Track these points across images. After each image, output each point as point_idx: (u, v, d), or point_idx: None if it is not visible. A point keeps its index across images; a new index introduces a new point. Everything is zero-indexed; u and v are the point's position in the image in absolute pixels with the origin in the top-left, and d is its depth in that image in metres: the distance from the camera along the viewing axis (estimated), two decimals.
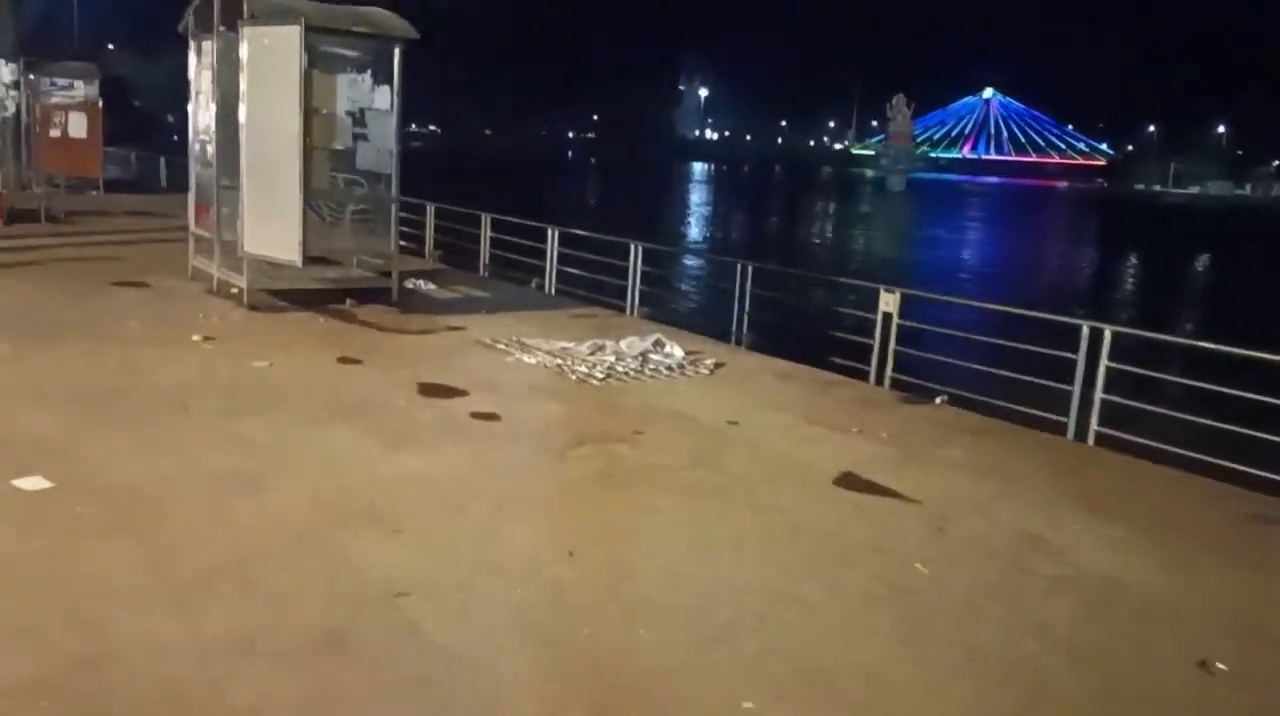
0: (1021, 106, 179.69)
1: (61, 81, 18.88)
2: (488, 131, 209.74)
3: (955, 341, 9.50)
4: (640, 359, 8.57)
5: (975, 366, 8.81)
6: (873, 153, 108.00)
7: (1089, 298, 32.26)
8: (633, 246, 12.57)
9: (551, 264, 14.12)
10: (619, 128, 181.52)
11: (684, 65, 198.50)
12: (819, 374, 9.32)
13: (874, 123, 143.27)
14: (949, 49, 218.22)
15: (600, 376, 7.97)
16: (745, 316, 11.04)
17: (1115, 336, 7.79)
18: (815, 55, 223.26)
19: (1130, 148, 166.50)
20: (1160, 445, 7.17)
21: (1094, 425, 7.65)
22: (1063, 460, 7.13)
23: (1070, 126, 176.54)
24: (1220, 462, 6.81)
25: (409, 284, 11.67)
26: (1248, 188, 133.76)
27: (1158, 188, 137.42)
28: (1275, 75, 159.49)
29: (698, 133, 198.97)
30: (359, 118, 9.21)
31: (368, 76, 9.35)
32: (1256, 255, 51.14)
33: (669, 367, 8.59)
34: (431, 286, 12.22)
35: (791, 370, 9.42)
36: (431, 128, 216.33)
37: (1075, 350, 7.91)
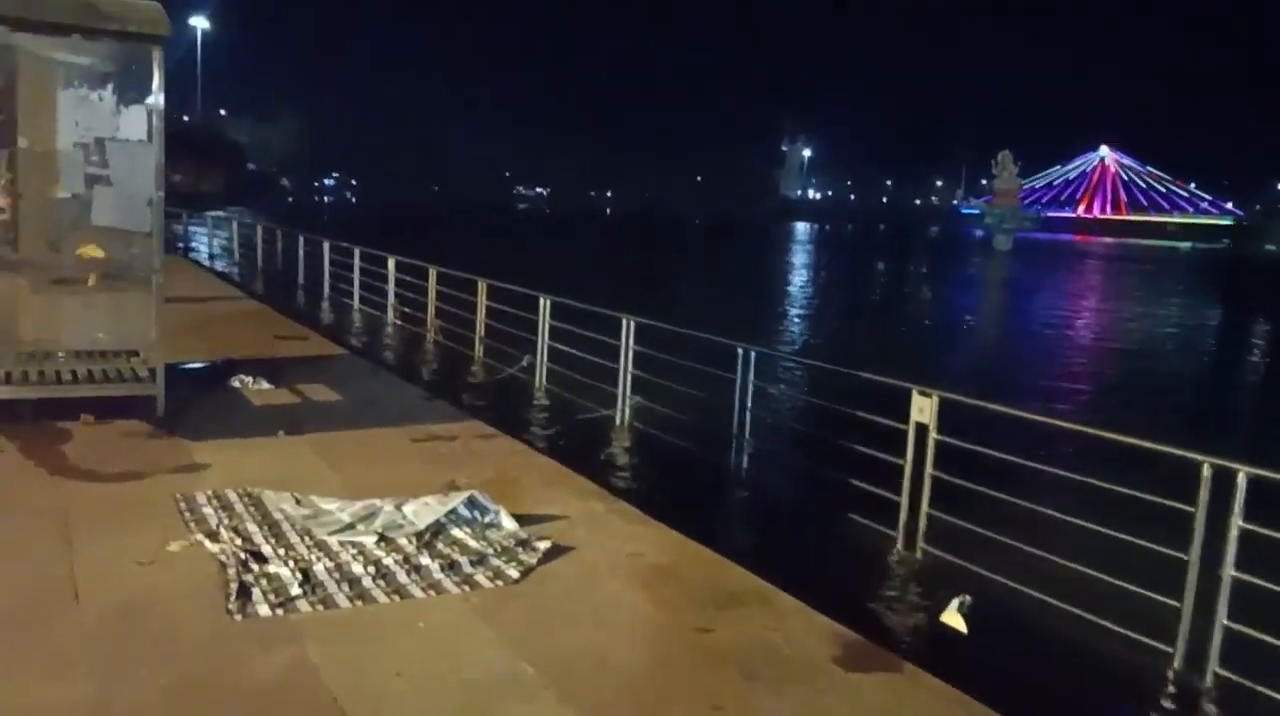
0: (1139, 164, 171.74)
1: None
2: (592, 193, 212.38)
3: (1022, 478, 6.69)
4: (423, 538, 4.71)
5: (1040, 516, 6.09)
6: (979, 211, 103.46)
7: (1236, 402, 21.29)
8: (625, 322, 10.22)
9: (543, 340, 11.88)
10: (722, 188, 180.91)
11: (786, 125, 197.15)
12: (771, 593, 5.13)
13: (984, 181, 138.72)
14: (1063, 106, 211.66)
15: (294, 590, 4.19)
16: (744, 427, 8.54)
17: (1256, 483, 5.04)
18: (924, 112, 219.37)
19: (1258, 206, 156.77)
20: None
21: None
22: None
23: (1193, 185, 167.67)
24: None
25: (234, 382, 8.31)
26: None
27: None
28: None
29: (800, 192, 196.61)
30: (95, 151, 6.40)
31: (108, 93, 6.44)
32: None
33: (473, 557, 4.64)
34: (265, 385, 8.38)
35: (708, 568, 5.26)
36: (538, 189, 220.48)
37: (1193, 499, 5.20)
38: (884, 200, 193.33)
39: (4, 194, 6.17)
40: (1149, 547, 5.43)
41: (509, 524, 4.90)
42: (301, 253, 22.19)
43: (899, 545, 6.99)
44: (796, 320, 25.72)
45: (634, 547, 4.97)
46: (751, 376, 8.56)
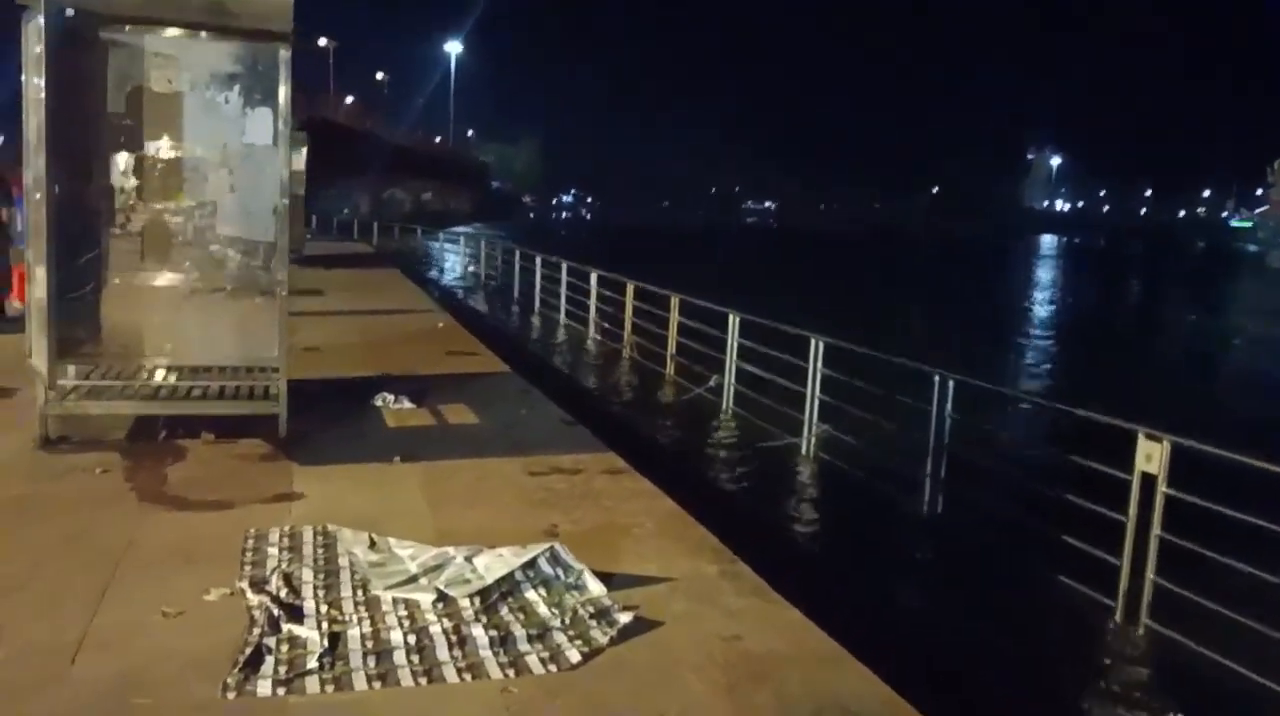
0: None
1: None
2: (821, 206, 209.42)
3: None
4: (489, 598, 4.01)
5: None
6: (1251, 224, 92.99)
7: None
8: (813, 342, 9.42)
9: (731, 359, 11.28)
10: (959, 200, 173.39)
11: (1032, 133, 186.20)
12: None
13: (1259, 191, 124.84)
14: None
15: (311, 663, 3.56)
16: (938, 467, 7.56)
17: None
18: (1190, 114, 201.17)
19: None
20: None
21: None
22: None
23: None
24: None
25: (377, 400, 7.79)
26: None
27: None
28: None
29: (1046, 203, 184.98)
30: (221, 157, 6.20)
31: (235, 95, 6.22)
32: None
33: (535, 629, 3.85)
34: (406, 404, 7.79)
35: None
36: (767, 203, 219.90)
37: None
38: (1142, 212, 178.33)
39: (130, 203, 6.19)
40: None
41: (594, 586, 4.08)
42: (517, 267, 22.70)
43: (1118, 616, 5.87)
44: (1026, 345, 23.62)
45: (737, 629, 3.97)
46: (949, 408, 7.57)
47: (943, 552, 7.23)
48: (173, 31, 6.11)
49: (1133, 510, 5.75)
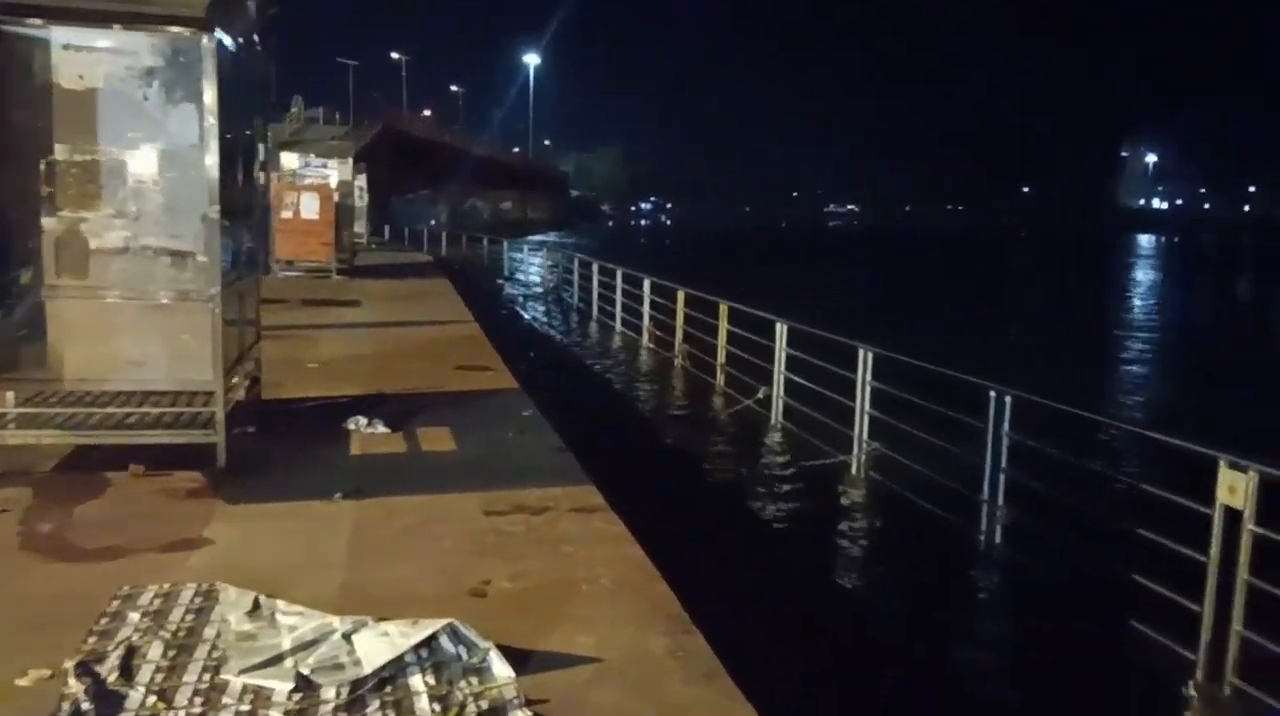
0: None
1: (317, 162, 18.83)
2: (907, 208, 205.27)
3: None
4: (357, 690, 3.18)
5: None
6: None
7: None
8: (861, 353, 8.67)
9: (779, 371, 10.56)
10: (1052, 199, 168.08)
11: (1128, 129, 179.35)
12: None
13: None
14: None
15: None
16: (996, 492, 6.75)
17: None
18: None
19: None
20: None
21: None
22: None
23: None
24: None
25: (350, 423, 6.78)
26: None
27: None
28: None
29: (1143, 201, 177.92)
30: (141, 161, 5.50)
31: (155, 91, 5.53)
32: None
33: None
34: (380, 428, 6.77)
35: None
36: (850, 206, 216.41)
37: None
38: (1245, 209, 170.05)
39: (42, 211, 5.61)
40: None
41: (500, 670, 3.24)
42: (577, 274, 22.27)
43: (1199, 674, 5.02)
44: (1121, 356, 22.17)
45: None
46: (1006, 427, 6.75)
47: (996, 594, 6.42)
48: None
49: (1214, 550, 4.91)
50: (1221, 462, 4.88)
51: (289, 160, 19.36)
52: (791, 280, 39.06)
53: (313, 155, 19.49)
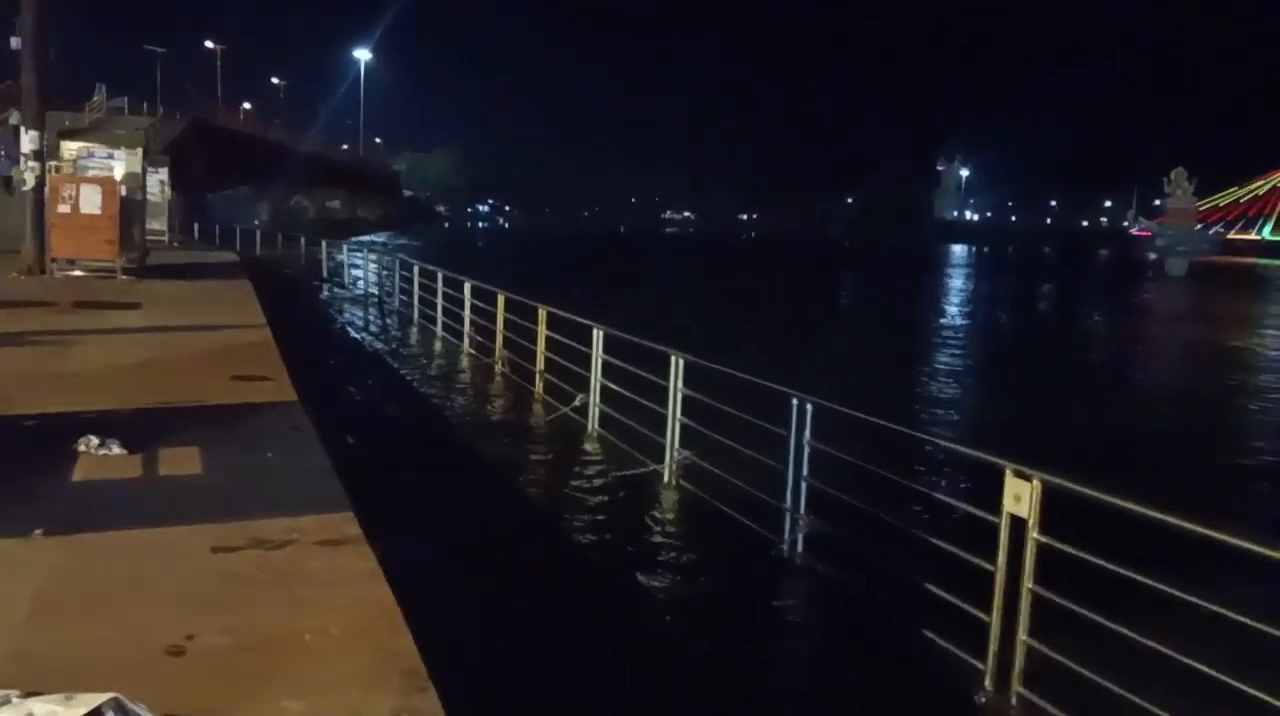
0: None
1: (101, 152, 17.41)
2: (743, 216, 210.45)
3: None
4: None
5: None
6: (1151, 233, 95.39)
7: None
8: (673, 360, 8.48)
9: (596, 378, 10.28)
10: (875, 210, 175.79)
11: (943, 145, 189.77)
12: None
13: (1156, 201, 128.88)
14: (1245, 121, 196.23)
15: None
16: (798, 501, 6.65)
17: None
18: (1093, 128, 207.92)
19: None
20: None
21: None
22: None
23: None
24: None
25: (80, 444, 5.73)
26: None
27: None
28: None
29: (956, 213, 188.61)
30: None
31: None
32: None
33: None
34: (116, 450, 5.74)
35: None
36: (686, 213, 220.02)
37: None
38: (1048, 221, 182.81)
39: None
40: None
41: None
42: (397, 277, 21.47)
43: (987, 682, 5.00)
44: (916, 357, 23.00)
45: None
46: (808, 434, 6.66)
47: (794, 605, 6.30)
48: None
49: (1001, 558, 4.89)
50: (1007, 471, 4.86)
51: (68, 150, 17.70)
52: (622, 285, 39.21)
53: (97, 145, 17.88)
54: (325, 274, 28.67)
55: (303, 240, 34.12)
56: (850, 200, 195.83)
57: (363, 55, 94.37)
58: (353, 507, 4.16)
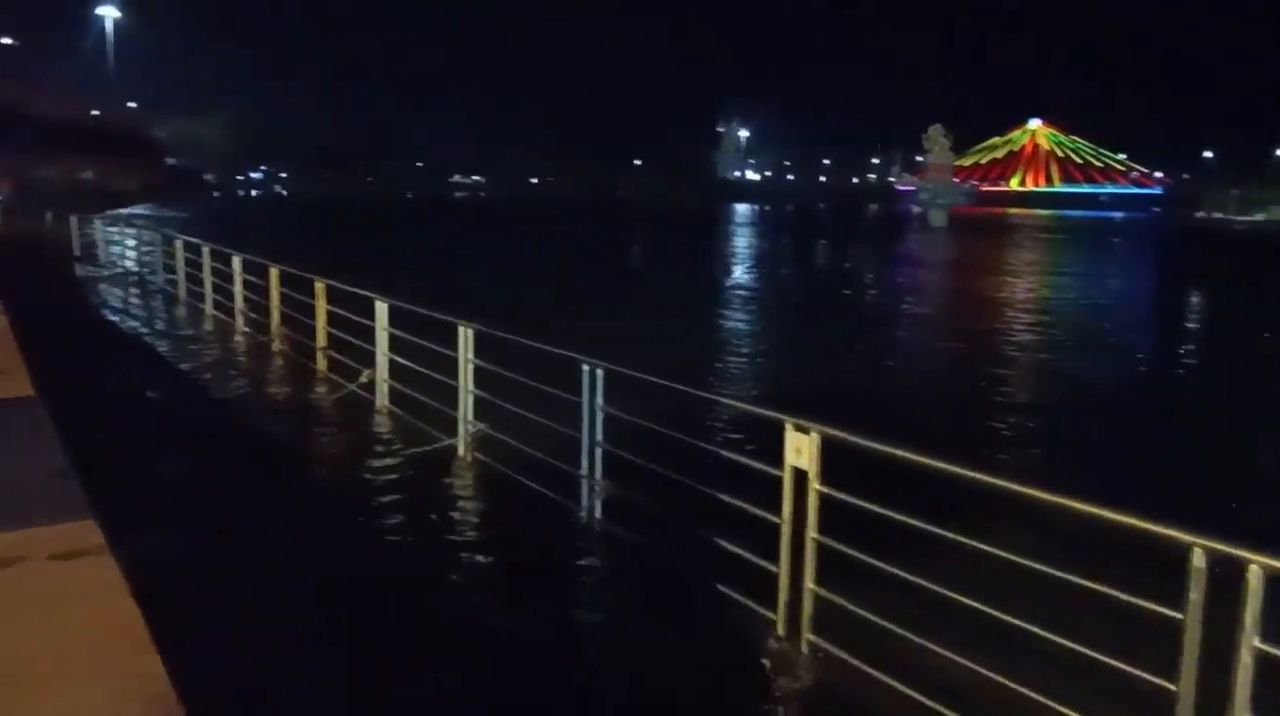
0: (1070, 137, 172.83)
1: None
2: (533, 179, 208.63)
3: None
4: None
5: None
6: (914, 187, 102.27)
7: None
8: (461, 331, 8.24)
9: (382, 352, 9.88)
10: (661, 171, 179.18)
11: (723, 107, 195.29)
12: None
13: (918, 158, 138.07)
14: (996, 81, 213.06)
15: None
16: (593, 467, 6.62)
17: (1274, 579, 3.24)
18: (860, 90, 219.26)
19: (1185, 175, 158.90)
20: None
21: None
22: None
23: (1123, 155, 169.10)
24: None
25: None
26: None
27: (1218, 215, 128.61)
28: None
29: (738, 174, 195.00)
30: None
31: None
32: None
33: None
34: None
35: None
36: (475, 178, 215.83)
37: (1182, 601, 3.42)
38: (822, 180, 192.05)
39: None
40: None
41: None
42: (160, 252, 19.89)
43: (780, 630, 5.15)
44: (698, 315, 23.67)
45: None
46: (600, 400, 6.63)
47: (593, 569, 6.28)
48: None
49: (786, 510, 5.03)
50: (787, 425, 5.00)
51: None
52: (409, 254, 38.05)
53: None
54: (78, 252, 26.18)
55: (49, 215, 31.03)
56: (638, 162, 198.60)
57: (109, 12, 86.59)
58: (98, 513, 3.72)
